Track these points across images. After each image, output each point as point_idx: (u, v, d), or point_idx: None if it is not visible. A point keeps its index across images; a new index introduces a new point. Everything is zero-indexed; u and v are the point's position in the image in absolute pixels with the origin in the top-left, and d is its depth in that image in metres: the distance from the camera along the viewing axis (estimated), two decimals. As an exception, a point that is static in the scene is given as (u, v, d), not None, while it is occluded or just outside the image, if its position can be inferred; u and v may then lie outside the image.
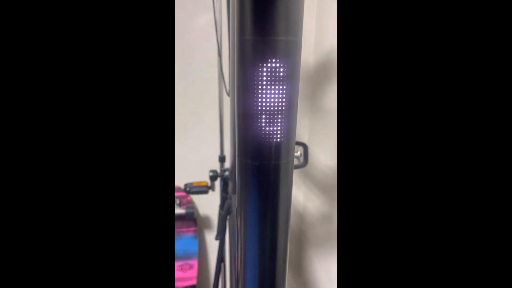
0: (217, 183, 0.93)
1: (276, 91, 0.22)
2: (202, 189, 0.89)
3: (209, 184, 0.90)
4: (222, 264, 0.94)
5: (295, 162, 0.75)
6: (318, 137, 1.15)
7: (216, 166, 0.98)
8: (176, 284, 1.12)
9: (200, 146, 1.12)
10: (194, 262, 1.15)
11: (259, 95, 0.22)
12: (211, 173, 0.86)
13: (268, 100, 0.22)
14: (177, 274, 1.12)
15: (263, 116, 0.22)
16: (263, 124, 0.22)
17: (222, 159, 0.99)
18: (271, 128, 0.23)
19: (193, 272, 1.13)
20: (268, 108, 0.22)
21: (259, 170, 0.24)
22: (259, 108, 0.22)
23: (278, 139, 0.23)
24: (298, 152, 0.74)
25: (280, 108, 0.22)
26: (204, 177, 1.08)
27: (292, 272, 1.42)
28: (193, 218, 1.13)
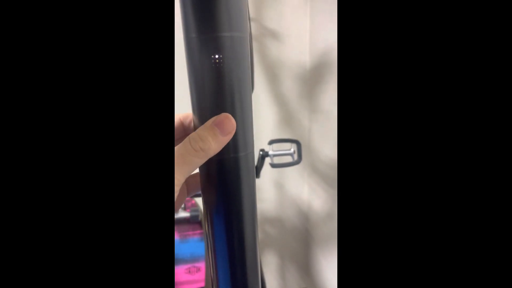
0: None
1: (222, 87, 0.23)
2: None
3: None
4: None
5: (289, 159, 0.75)
6: (318, 136, 1.15)
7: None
8: (185, 287, 1.13)
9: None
10: (201, 265, 1.16)
11: (206, 91, 0.23)
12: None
13: (214, 96, 0.23)
14: (185, 277, 1.12)
15: (213, 112, 0.23)
16: None
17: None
18: None
19: (201, 275, 1.14)
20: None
21: (218, 165, 0.25)
22: (208, 104, 0.23)
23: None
24: (292, 149, 0.74)
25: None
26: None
27: (301, 272, 1.41)
28: (198, 221, 1.14)
